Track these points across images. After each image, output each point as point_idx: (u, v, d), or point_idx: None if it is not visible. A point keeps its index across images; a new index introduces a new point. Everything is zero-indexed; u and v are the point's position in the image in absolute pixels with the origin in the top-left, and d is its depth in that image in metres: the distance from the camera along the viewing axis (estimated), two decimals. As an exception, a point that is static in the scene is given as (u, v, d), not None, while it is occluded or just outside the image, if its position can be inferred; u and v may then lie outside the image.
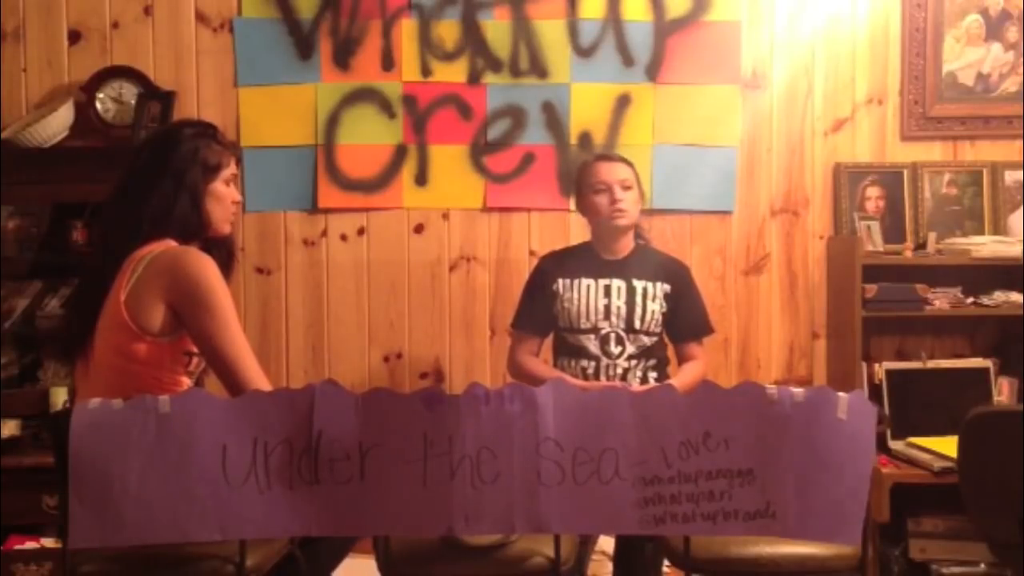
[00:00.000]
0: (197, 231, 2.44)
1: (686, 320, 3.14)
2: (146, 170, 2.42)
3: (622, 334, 3.04)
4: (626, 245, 3.14)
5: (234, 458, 2.14)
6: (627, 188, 3.07)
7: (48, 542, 3.43)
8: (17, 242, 3.72)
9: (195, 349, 2.38)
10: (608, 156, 3.26)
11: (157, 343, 2.34)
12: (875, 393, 3.48)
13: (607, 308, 3.06)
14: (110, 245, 2.41)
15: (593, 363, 3.05)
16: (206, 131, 2.50)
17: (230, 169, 2.49)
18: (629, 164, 3.15)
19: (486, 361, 3.85)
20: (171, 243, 2.39)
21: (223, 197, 2.47)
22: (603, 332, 3.05)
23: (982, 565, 3.35)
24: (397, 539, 2.42)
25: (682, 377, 3.05)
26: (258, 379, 2.34)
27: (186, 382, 2.43)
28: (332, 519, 2.17)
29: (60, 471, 2.16)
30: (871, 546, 2.39)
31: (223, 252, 2.52)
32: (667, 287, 3.09)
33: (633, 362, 3.05)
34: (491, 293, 3.86)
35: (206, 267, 2.33)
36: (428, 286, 3.86)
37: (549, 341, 3.23)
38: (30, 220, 3.73)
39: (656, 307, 3.07)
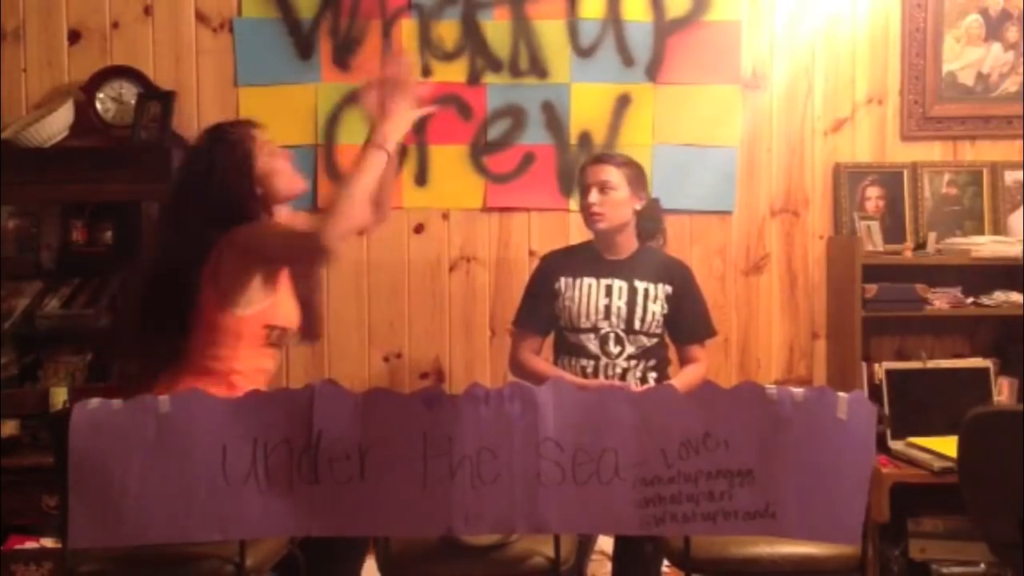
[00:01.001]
0: (262, 209, 2.56)
1: (688, 322, 3.13)
2: (197, 177, 2.54)
3: (621, 334, 3.04)
4: (627, 245, 3.12)
5: (234, 458, 2.14)
6: (607, 189, 3.03)
7: (48, 542, 3.42)
8: (17, 242, 3.72)
9: (273, 322, 2.54)
10: (599, 157, 3.19)
11: (242, 319, 2.48)
12: (875, 393, 3.47)
13: (607, 308, 3.05)
14: (180, 250, 2.52)
15: (592, 362, 3.05)
16: (231, 128, 2.64)
17: (266, 144, 2.59)
18: (624, 164, 3.09)
19: (486, 361, 3.85)
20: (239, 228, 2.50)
21: (275, 168, 2.58)
22: (603, 332, 3.04)
23: (982, 565, 3.35)
24: (397, 539, 2.42)
25: (682, 379, 3.05)
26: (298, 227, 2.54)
27: (272, 358, 2.58)
28: (332, 519, 2.17)
29: (60, 471, 2.16)
30: (871, 546, 2.39)
31: None
32: (668, 288, 3.09)
33: (632, 362, 3.05)
34: (491, 293, 3.86)
35: (249, 228, 2.49)
36: (428, 286, 3.86)
37: (550, 339, 3.23)
38: (30, 220, 3.73)
39: (657, 308, 3.07)
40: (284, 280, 2.60)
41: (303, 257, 2.55)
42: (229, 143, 2.55)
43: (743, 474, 2.16)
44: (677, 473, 2.17)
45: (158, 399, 2.15)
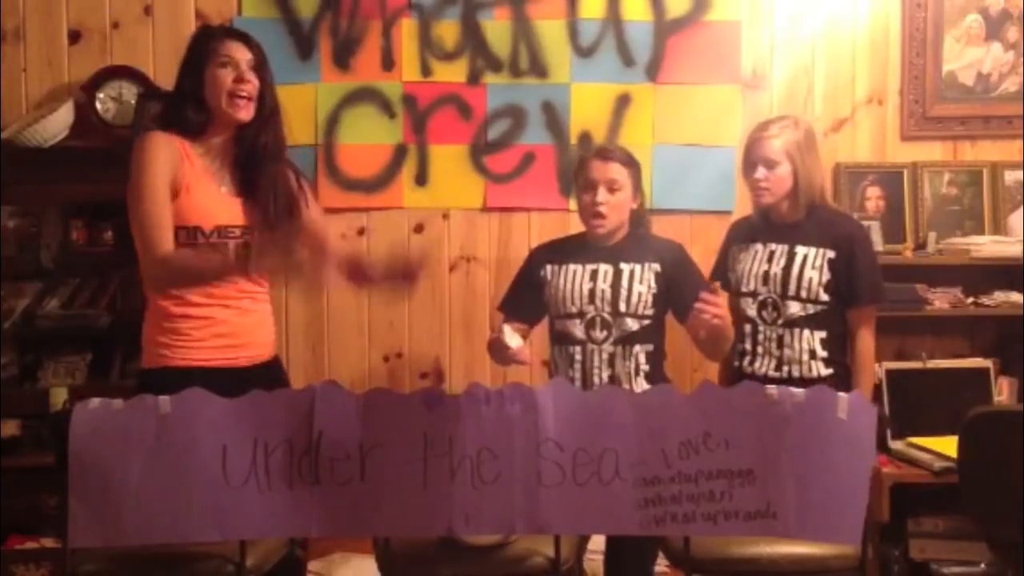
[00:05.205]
0: (200, 123, 2.57)
1: (687, 298, 3.00)
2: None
3: (607, 317, 2.97)
4: (616, 237, 3.06)
5: (234, 458, 2.15)
6: (615, 189, 2.95)
7: (48, 542, 3.42)
8: (17, 242, 3.72)
9: (186, 223, 2.51)
10: (605, 152, 3.04)
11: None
12: (875, 393, 3.47)
13: (592, 292, 2.99)
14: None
15: (579, 348, 2.98)
16: (205, 30, 2.68)
17: (221, 55, 2.56)
18: (628, 162, 3.01)
19: (486, 361, 3.81)
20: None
21: (214, 81, 2.55)
22: (588, 316, 2.99)
23: (982, 565, 3.35)
24: (397, 539, 2.42)
25: None
26: (144, 254, 2.47)
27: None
28: (332, 520, 2.17)
29: (60, 471, 2.16)
30: (871, 546, 2.39)
31: (252, 144, 2.62)
32: (657, 267, 3.00)
33: (619, 347, 2.97)
34: (491, 293, 3.85)
35: (136, 149, 2.53)
36: (428, 286, 3.86)
37: (542, 331, 3.18)
38: (30, 220, 3.73)
39: (643, 289, 2.97)
40: (203, 178, 2.55)
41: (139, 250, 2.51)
42: (210, 41, 2.58)
43: (743, 474, 2.16)
44: (677, 473, 2.17)
45: (158, 399, 2.15)
